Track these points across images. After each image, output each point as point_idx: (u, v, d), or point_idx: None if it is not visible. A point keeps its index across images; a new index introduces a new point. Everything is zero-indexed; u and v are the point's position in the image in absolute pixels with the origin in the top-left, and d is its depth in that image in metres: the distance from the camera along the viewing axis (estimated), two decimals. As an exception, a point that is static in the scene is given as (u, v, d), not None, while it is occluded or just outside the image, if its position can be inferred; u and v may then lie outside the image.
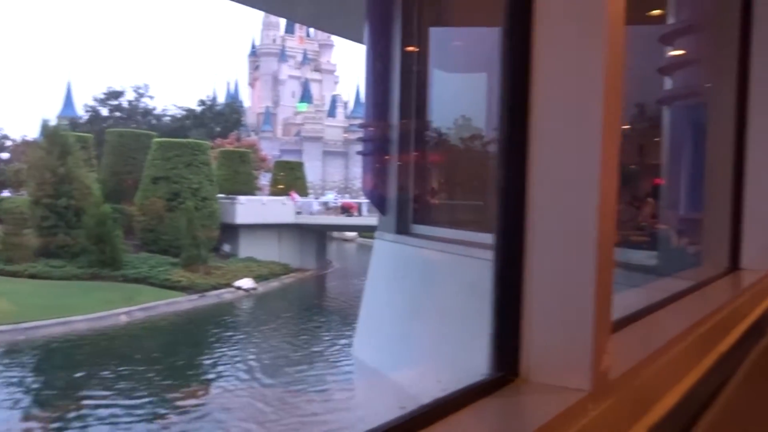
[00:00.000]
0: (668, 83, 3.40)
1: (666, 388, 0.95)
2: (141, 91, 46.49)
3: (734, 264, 2.07)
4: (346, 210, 30.16)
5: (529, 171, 0.71)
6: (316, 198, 33.00)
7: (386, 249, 5.65)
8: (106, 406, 11.43)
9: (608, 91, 0.68)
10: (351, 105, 65.78)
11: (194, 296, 20.89)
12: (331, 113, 66.08)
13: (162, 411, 11.60)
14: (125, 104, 46.09)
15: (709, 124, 2.11)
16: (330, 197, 35.53)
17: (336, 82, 72.08)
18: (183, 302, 20.25)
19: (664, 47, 3.23)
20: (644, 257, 3.66)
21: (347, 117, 64.46)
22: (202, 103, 52.71)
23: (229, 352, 16.18)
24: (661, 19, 3.12)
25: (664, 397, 0.93)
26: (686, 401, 1.01)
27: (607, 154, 0.69)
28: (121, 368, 13.68)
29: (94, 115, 44.94)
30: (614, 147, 0.70)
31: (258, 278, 23.61)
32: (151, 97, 48.79)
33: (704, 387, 1.13)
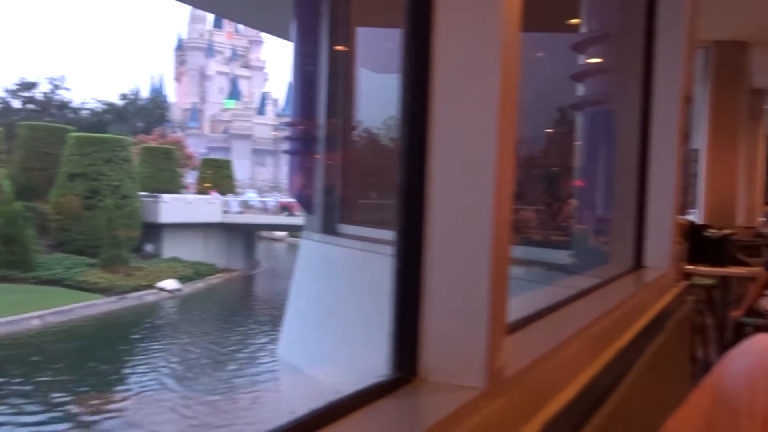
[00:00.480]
0: (581, 90, 3.57)
1: (564, 383, 0.99)
2: (57, 82, 44.14)
3: (638, 262, 2.19)
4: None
5: (428, 171, 0.71)
6: (237, 197, 32.25)
7: (312, 249, 5.61)
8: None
9: (504, 95, 0.69)
10: (281, 103, 64.96)
11: (113, 298, 20.01)
12: (261, 111, 65.03)
13: (65, 426, 10.77)
14: (39, 96, 43.61)
15: (616, 129, 2.22)
16: (251, 196, 34.79)
17: (266, 80, 70.98)
18: (101, 305, 19.35)
19: (577, 55, 3.39)
20: (562, 256, 3.80)
21: (277, 115, 63.60)
22: (123, 97, 50.64)
23: (149, 357, 15.59)
24: (575, 27, 3.26)
25: (562, 392, 0.96)
26: (584, 395, 1.05)
27: (503, 156, 0.70)
28: (25, 377, 12.80)
29: (5, 107, 42.31)
30: (509, 149, 0.72)
31: (182, 279, 22.91)
32: (67, 90, 46.37)
33: (602, 381, 1.18)
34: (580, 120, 3.76)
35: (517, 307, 1.24)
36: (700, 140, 8.06)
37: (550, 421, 0.87)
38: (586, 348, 1.15)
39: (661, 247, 2.14)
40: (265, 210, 31.08)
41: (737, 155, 8.43)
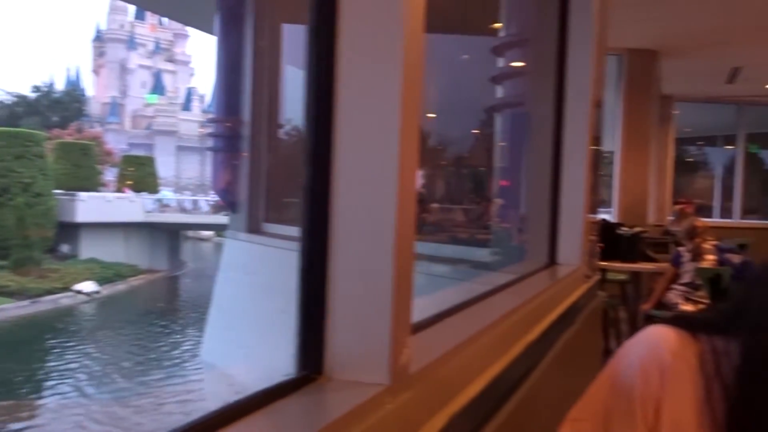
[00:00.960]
0: (500, 91, 3.68)
1: (472, 376, 1.01)
2: (-39, 72, 41.15)
3: (552, 259, 2.28)
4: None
5: (333, 170, 0.72)
6: (153, 195, 31.05)
7: (237, 248, 5.51)
8: None
9: (406, 96, 0.70)
10: (208, 99, 63.25)
11: (25, 302, 18.91)
12: (187, 107, 63.11)
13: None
14: (-59, 86, 40.55)
15: (531, 131, 2.30)
16: (167, 194, 33.65)
17: (192, 75, 68.93)
18: (11, 309, 18.25)
19: (497, 58, 3.49)
20: (484, 254, 3.91)
21: (204, 111, 61.90)
22: (36, 89, 47.84)
23: (63, 364, 14.81)
24: (496, 31, 3.37)
25: (470, 385, 0.99)
26: (493, 387, 1.08)
27: (406, 156, 0.71)
28: None
29: None
30: (413, 149, 0.73)
31: (101, 281, 21.93)
32: (-27, 80, 43.28)
33: (512, 373, 1.22)
34: (501, 121, 3.89)
35: (433, 304, 1.26)
36: (615, 143, 8.48)
37: (458, 414, 0.90)
38: (496, 342, 1.18)
39: (573, 244, 2.23)
40: (183, 209, 30.14)
41: (648, 157, 8.93)
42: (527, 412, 1.25)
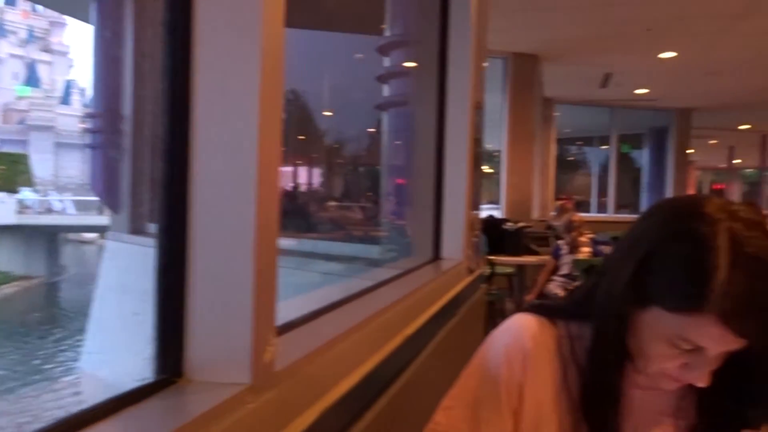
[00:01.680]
0: (387, 90, 3.75)
1: (347, 370, 1.03)
2: None
3: (436, 254, 2.35)
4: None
5: (190, 165, 0.70)
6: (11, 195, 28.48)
7: (119, 251, 5.22)
8: None
9: (265, 90, 0.70)
10: (89, 92, 59.26)
11: None
12: (65, 100, 58.77)
13: None
14: None
15: (415, 130, 2.36)
16: (28, 195, 31.07)
17: (71, 66, 64.27)
18: None
19: (383, 57, 3.55)
20: (375, 251, 3.96)
21: (85, 105, 57.94)
22: None
23: None
24: (381, 30, 3.43)
25: (344, 380, 1.00)
26: (368, 381, 1.10)
27: (266, 151, 0.71)
28: None
29: None
30: (274, 145, 0.73)
31: (-33, 290, 19.97)
32: None
33: (390, 366, 1.25)
34: (389, 120, 3.95)
35: (312, 302, 1.26)
36: (502, 142, 8.90)
37: (331, 408, 0.91)
38: (374, 336, 1.21)
39: (456, 239, 2.32)
40: (61, 210, 28.01)
41: (532, 156, 9.45)
42: (407, 402, 1.28)
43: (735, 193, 28.86)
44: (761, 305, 0.81)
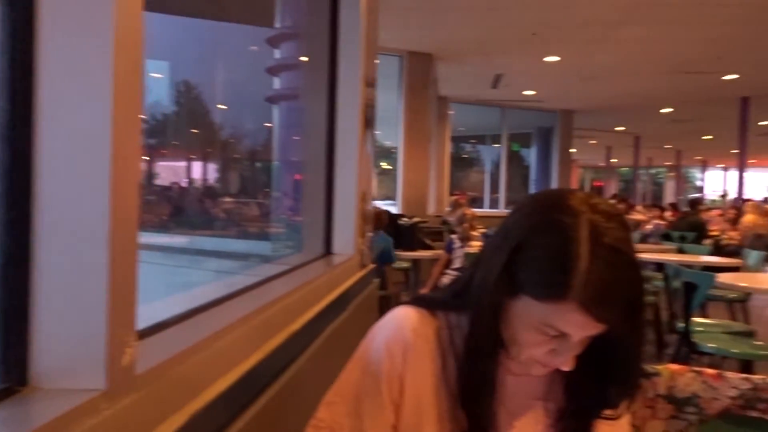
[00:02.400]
0: (278, 83, 3.68)
1: (223, 370, 0.99)
2: None
3: (328, 249, 2.34)
4: None
5: (34, 158, 0.64)
6: None
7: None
8: None
9: (120, 79, 0.65)
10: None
11: None
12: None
13: None
14: None
15: (306, 124, 2.33)
16: None
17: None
18: None
19: (273, 49, 3.48)
20: (268, 246, 3.89)
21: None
22: None
23: None
24: (271, 22, 3.36)
25: (221, 379, 0.97)
26: (249, 379, 1.07)
27: (122, 144, 0.66)
28: None
29: None
30: (132, 137, 0.68)
31: None
32: None
33: (273, 362, 1.22)
34: (283, 114, 3.88)
35: (190, 300, 1.21)
36: (398, 140, 9.03)
37: (203, 410, 0.87)
38: (255, 333, 1.18)
39: (347, 234, 2.32)
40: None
41: (428, 154, 9.67)
42: (292, 398, 1.26)
43: (612, 189, 31.14)
44: (618, 293, 0.87)
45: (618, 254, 0.87)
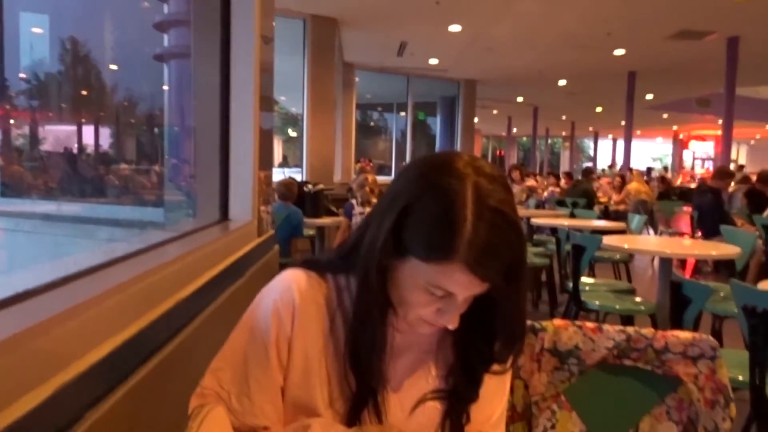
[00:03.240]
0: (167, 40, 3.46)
1: (101, 337, 0.93)
2: None
3: (224, 215, 2.26)
4: None
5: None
6: None
7: None
8: None
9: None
10: None
11: None
12: None
13: None
14: None
15: (198, 87, 2.21)
16: None
17: None
18: None
19: (162, 3, 3.26)
20: (164, 214, 3.72)
21: None
22: None
23: None
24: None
25: (98, 348, 0.91)
26: (130, 348, 1.01)
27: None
28: None
29: None
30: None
31: None
32: None
33: (159, 331, 1.17)
34: (174, 74, 3.68)
35: (63, 269, 1.12)
36: (303, 106, 8.87)
37: (72, 382, 0.81)
38: (135, 301, 1.11)
39: (244, 200, 2.25)
40: None
41: (334, 121, 9.57)
42: (180, 367, 1.21)
43: (513, 158, 32.38)
44: (501, 252, 0.89)
45: (501, 216, 0.89)
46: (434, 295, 0.93)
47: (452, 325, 0.96)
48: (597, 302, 3.63)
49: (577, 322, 1.60)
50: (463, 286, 0.90)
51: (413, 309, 0.96)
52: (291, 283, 1.06)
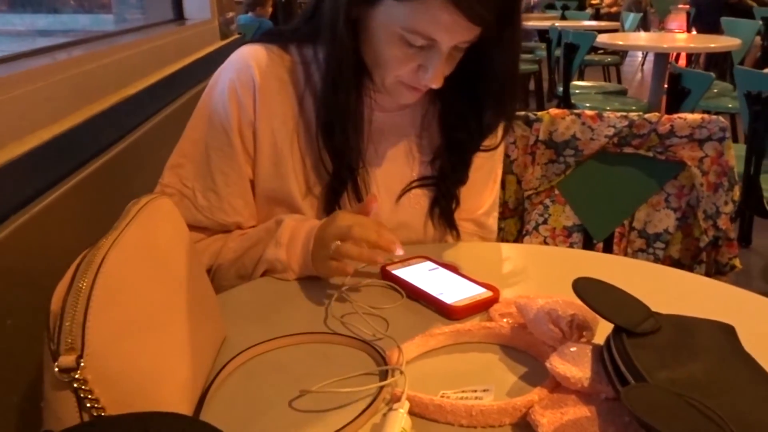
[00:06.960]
0: None
1: (34, 125, 0.77)
2: None
3: (179, 14, 2.00)
4: None
5: None
6: None
7: None
8: None
9: None
10: None
11: None
12: None
13: None
14: None
15: None
16: None
17: None
18: None
19: None
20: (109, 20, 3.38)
21: None
22: None
23: None
24: None
25: (30, 136, 0.76)
26: (70, 139, 0.87)
27: None
28: None
29: None
30: None
31: None
32: None
33: (107, 125, 1.02)
34: None
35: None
36: None
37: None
38: (74, 88, 0.94)
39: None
40: None
41: None
42: (131, 169, 1.07)
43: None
44: None
45: None
46: (413, 46, 0.78)
47: (436, 84, 0.82)
48: (588, 104, 3.50)
49: (576, 111, 1.47)
50: (447, 28, 0.75)
51: (390, 69, 0.82)
52: (248, 59, 0.90)
